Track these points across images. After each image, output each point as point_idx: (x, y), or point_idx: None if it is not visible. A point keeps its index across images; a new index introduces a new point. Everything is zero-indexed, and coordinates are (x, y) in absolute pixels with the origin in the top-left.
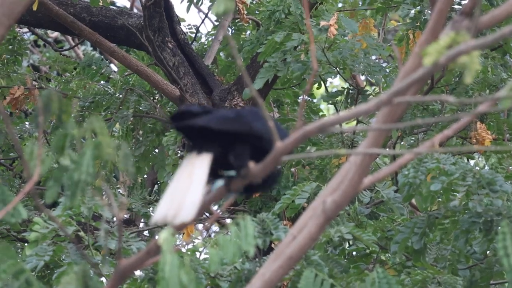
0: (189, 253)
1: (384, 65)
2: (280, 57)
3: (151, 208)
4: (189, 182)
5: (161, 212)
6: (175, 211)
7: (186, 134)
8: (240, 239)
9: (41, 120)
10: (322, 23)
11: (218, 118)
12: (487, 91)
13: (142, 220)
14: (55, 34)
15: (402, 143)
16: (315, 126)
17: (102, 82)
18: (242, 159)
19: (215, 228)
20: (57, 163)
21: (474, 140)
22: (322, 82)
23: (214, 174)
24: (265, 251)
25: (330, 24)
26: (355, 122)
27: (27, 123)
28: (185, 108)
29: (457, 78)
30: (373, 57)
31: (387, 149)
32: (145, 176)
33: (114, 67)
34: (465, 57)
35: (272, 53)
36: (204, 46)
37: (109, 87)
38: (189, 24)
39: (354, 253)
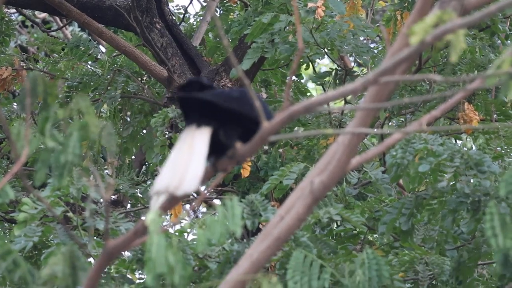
0: (176, 234)
1: (372, 46)
2: (268, 38)
3: (138, 189)
4: (190, 153)
5: (163, 182)
6: (177, 181)
7: (189, 106)
8: (227, 219)
9: (28, 102)
10: (310, 4)
11: (225, 96)
12: (475, 72)
13: (129, 201)
14: (43, 15)
15: (390, 124)
16: (302, 106)
17: (90, 62)
18: (231, 139)
19: (203, 208)
20: (44, 144)
21: (462, 121)
22: (310, 63)
23: (210, 149)
24: (253, 232)
25: (318, 6)
26: (343, 103)
27: (14, 104)
28: (195, 78)
29: (445, 59)
30: (361, 38)
31: (375, 129)
32: (133, 157)
33: (102, 48)
34: (451, 35)
35: (259, 34)
36: (192, 27)
37: (97, 67)
38: (177, 5)
39: (342, 233)
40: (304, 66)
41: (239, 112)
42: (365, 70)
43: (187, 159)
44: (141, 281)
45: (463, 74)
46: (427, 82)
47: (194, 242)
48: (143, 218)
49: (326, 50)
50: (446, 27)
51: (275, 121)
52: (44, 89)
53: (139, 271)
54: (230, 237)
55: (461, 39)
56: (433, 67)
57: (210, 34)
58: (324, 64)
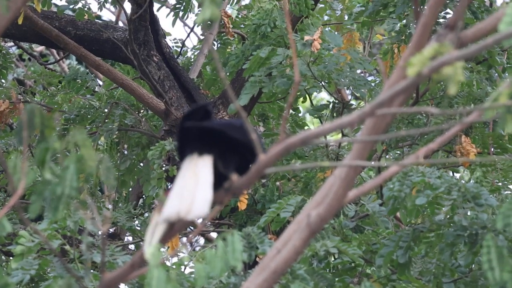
0: (174, 267)
1: (369, 79)
2: (265, 72)
3: (136, 222)
4: (196, 180)
5: (172, 208)
6: (187, 207)
7: (194, 134)
8: (228, 254)
9: (25, 134)
10: (306, 37)
11: (229, 125)
12: (472, 105)
13: (127, 234)
14: (40, 48)
15: (387, 156)
16: (298, 138)
17: (87, 95)
18: (229, 169)
19: (200, 241)
20: (41, 176)
21: (459, 154)
22: (307, 96)
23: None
24: (250, 265)
25: (314, 39)
26: (340, 136)
27: (12, 137)
28: (201, 104)
29: (442, 92)
30: (358, 71)
31: (372, 162)
32: (130, 190)
33: (99, 81)
34: (449, 68)
35: (257, 69)
36: (190, 60)
37: (95, 100)
38: (174, 38)
39: (339, 266)
40: (301, 99)
41: (243, 141)
42: (362, 103)
43: (194, 185)
44: None
45: (460, 107)
46: (424, 115)
47: (192, 276)
48: (139, 250)
49: (323, 83)
50: (443, 60)
51: (272, 154)
52: (41, 121)
53: None
54: (228, 271)
55: (458, 72)
56: (430, 100)
57: (207, 68)
58: (321, 98)
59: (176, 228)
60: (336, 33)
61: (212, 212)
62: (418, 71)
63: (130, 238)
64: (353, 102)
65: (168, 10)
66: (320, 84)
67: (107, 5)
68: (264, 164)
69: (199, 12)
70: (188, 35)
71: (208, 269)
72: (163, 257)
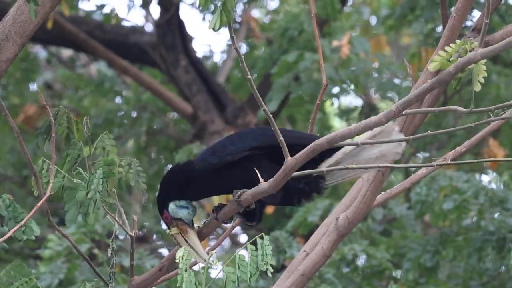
0: (203, 271)
1: (397, 82)
2: (292, 76)
3: (163, 225)
4: None
5: None
6: None
7: None
8: (258, 258)
9: (53, 138)
10: (335, 43)
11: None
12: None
13: (155, 238)
14: (69, 52)
15: (416, 160)
16: (324, 139)
17: (116, 99)
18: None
19: (228, 244)
20: (70, 182)
21: (487, 156)
22: (335, 99)
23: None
24: (278, 269)
25: (342, 44)
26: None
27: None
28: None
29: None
30: (386, 75)
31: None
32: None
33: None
34: (474, 65)
35: (285, 73)
36: (217, 65)
37: (123, 104)
38: (202, 42)
39: (367, 270)
40: (329, 102)
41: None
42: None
43: None
44: None
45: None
46: (453, 119)
47: (221, 279)
48: (168, 254)
49: (351, 86)
50: (468, 57)
51: (299, 155)
52: (68, 125)
53: None
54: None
55: (483, 69)
56: (459, 103)
57: (236, 71)
58: (349, 101)
59: (205, 232)
60: (363, 37)
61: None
62: (439, 66)
63: (159, 242)
64: (382, 105)
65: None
66: (348, 87)
67: (135, 9)
68: (291, 167)
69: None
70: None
71: (238, 273)
72: (193, 262)
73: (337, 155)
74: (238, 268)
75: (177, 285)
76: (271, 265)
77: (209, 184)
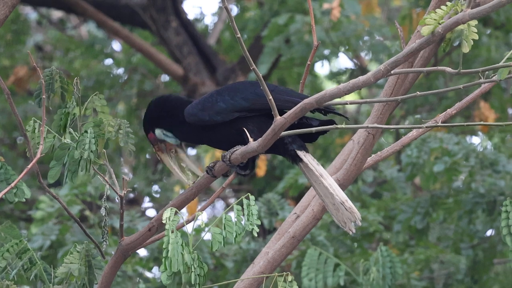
0: (193, 232)
1: (388, 44)
2: (284, 37)
3: (154, 188)
4: None
5: None
6: None
7: None
8: (244, 218)
9: (44, 99)
10: (325, 5)
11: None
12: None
13: (146, 200)
14: (59, 13)
15: (405, 122)
16: (313, 98)
17: (106, 60)
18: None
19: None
20: (60, 142)
21: (477, 119)
22: (325, 61)
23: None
24: (270, 231)
25: (333, 7)
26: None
27: (30, 102)
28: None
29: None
30: (377, 37)
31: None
32: (148, 156)
33: (117, 47)
34: (462, 26)
35: (275, 36)
36: (207, 27)
37: (113, 65)
38: (193, 4)
39: (358, 232)
40: (319, 64)
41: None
42: None
43: None
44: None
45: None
46: (443, 82)
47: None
48: (157, 214)
49: (341, 48)
50: (457, 18)
51: (288, 115)
52: (62, 86)
53: (156, 270)
54: (246, 236)
55: (472, 30)
56: (449, 65)
57: (226, 34)
58: (339, 65)
59: (195, 192)
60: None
61: (230, 177)
62: (432, 29)
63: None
64: (372, 67)
65: None
66: (339, 49)
67: None
68: (280, 125)
69: None
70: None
71: (224, 234)
72: (181, 223)
73: None
74: (225, 228)
75: (163, 246)
76: (259, 226)
77: (197, 135)
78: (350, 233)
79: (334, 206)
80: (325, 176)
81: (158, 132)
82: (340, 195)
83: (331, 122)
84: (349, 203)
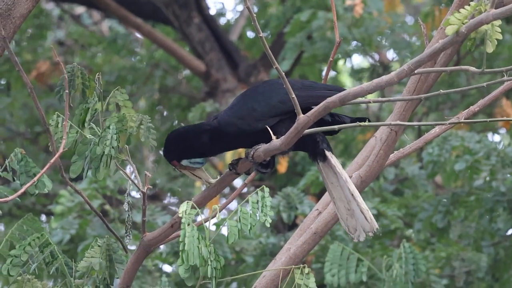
0: (213, 226)
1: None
2: (306, 33)
3: (175, 183)
4: None
5: None
6: None
7: None
8: (258, 210)
9: (66, 94)
10: (348, 2)
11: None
12: None
13: (167, 195)
14: (81, 9)
15: (428, 119)
16: (337, 97)
17: (128, 57)
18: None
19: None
20: (82, 136)
21: (499, 117)
22: (347, 58)
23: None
24: (289, 225)
25: (355, 3)
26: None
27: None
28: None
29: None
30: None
31: (413, 122)
32: None
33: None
34: (486, 26)
35: (298, 32)
36: (230, 23)
37: (135, 61)
38: (216, 0)
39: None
40: (342, 61)
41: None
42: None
43: None
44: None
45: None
46: (465, 80)
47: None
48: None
49: (364, 45)
50: (481, 18)
51: (311, 113)
52: (83, 82)
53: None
54: (260, 228)
55: (496, 30)
56: (472, 63)
57: (247, 30)
58: (361, 61)
59: (218, 189)
60: None
61: (252, 174)
62: (457, 29)
63: (171, 200)
64: (394, 64)
65: None
66: (361, 46)
67: None
68: (303, 124)
69: None
70: None
71: (239, 226)
72: (202, 219)
73: None
74: (240, 221)
75: (179, 240)
76: (275, 220)
77: (224, 145)
78: (356, 240)
79: (348, 212)
80: (349, 181)
81: (185, 162)
82: (363, 203)
83: (363, 119)
84: (370, 213)
